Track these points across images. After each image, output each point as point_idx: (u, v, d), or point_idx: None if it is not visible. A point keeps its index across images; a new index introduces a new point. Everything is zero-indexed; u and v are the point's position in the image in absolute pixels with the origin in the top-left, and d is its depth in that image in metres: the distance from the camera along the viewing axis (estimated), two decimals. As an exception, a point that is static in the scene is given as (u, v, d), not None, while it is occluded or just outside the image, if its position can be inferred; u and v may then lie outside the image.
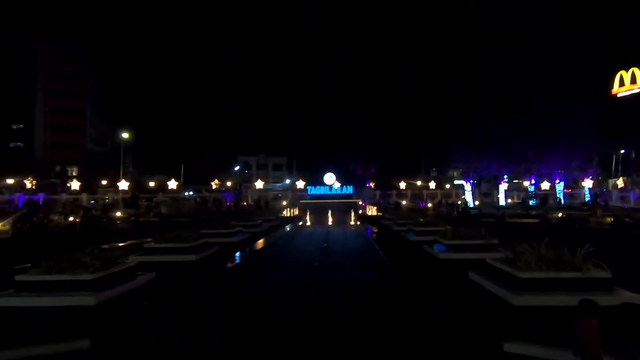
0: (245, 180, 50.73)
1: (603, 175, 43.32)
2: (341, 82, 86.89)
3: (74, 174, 47.63)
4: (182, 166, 48.84)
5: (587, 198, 35.42)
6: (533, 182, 38.75)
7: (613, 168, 41.96)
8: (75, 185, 39.14)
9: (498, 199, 38.62)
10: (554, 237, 5.75)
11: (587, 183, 36.81)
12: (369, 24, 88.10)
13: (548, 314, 4.51)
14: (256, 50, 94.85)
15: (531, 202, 35.13)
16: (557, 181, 36.90)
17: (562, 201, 35.61)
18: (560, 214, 22.97)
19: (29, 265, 5.63)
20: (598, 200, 31.38)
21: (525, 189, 41.42)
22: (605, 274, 4.77)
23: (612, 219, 19.76)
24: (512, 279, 4.93)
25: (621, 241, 13.57)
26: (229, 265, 10.81)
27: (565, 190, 37.79)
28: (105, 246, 9.29)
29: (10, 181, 39.56)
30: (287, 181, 56.52)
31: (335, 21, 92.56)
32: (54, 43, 58.53)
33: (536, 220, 21.62)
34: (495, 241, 8.18)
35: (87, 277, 4.85)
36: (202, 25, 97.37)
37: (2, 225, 16.83)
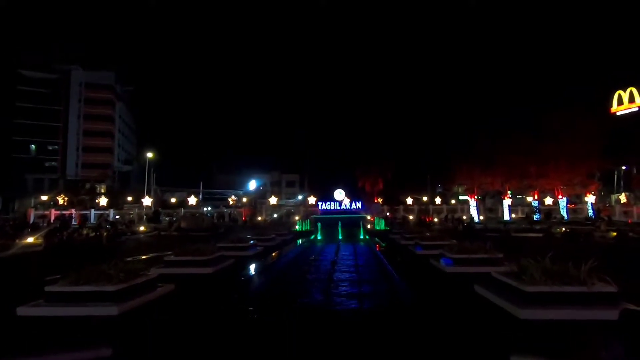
0: (260, 197, 50.99)
1: (605, 191, 42.22)
2: (350, 102, 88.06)
3: (102, 191, 48.63)
4: (202, 183, 49.53)
5: (590, 213, 34.50)
6: (536, 197, 38.11)
7: (615, 184, 40.89)
8: (103, 201, 40.05)
9: (502, 213, 37.90)
10: (558, 251, 5.58)
11: (590, 198, 35.92)
12: (377, 40, 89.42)
13: (554, 328, 4.33)
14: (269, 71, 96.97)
15: (535, 217, 34.33)
16: (560, 196, 36.11)
17: (566, 216, 34.72)
18: (564, 229, 22.28)
19: (59, 276, 5.70)
20: (601, 215, 30.48)
21: (529, 204, 40.56)
22: (610, 288, 4.59)
23: (616, 234, 19.10)
24: (517, 292, 4.77)
25: (625, 255, 13.06)
26: (243, 278, 10.74)
27: (568, 206, 36.90)
28: (129, 259, 9.36)
29: (44, 198, 40.57)
30: (300, 197, 56.56)
31: (345, 38, 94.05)
32: (88, 72, 61.24)
33: (540, 235, 20.93)
34: (500, 255, 7.97)
35: (110, 288, 4.89)
36: (219, 43, 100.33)
37: (35, 239, 17.16)
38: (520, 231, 22.96)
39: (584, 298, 4.45)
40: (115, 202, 42.01)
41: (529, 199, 40.84)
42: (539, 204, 38.15)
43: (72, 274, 5.17)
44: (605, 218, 27.05)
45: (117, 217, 35.29)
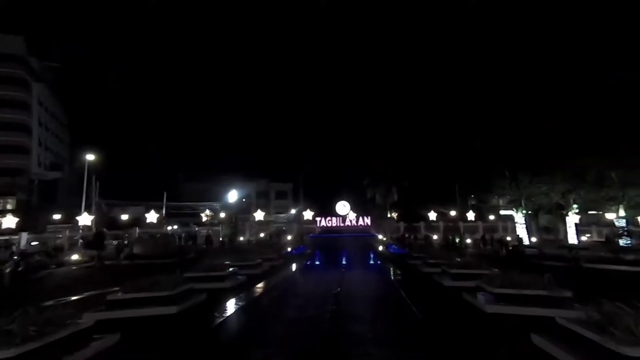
0: (243, 211, 50.40)
1: None
2: (355, 91, 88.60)
3: (9, 207, 45.56)
4: (165, 194, 48.53)
5: None
6: (621, 214, 33.75)
7: None
8: (8, 222, 34.77)
9: (566, 235, 34.94)
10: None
11: None
12: (384, 42, 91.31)
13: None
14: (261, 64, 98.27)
15: (622, 242, 30.46)
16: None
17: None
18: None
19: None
20: None
21: (610, 223, 36.62)
22: None
23: None
24: (604, 352, 4.18)
25: None
26: (217, 320, 10.18)
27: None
28: (50, 302, 8.74)
29: None
30: (293, 211, 56.15)
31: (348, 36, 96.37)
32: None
33: (632, 268, 19.43)
34: (568, 294, 7.46)
35: (9, 353, 4.19)
36: (193, 32, 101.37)
37: None
38: (597, 261, 21.40)
39: None
40: (32, 224, 38.88)
41: (609, 216, 36.92)
42: (628, 223, 33.42)
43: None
44: None
45: (33, 243, 31.71)
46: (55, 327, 4.90)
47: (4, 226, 34.43)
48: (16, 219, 34.42)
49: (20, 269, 18.60)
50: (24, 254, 22.80)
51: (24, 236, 31.26)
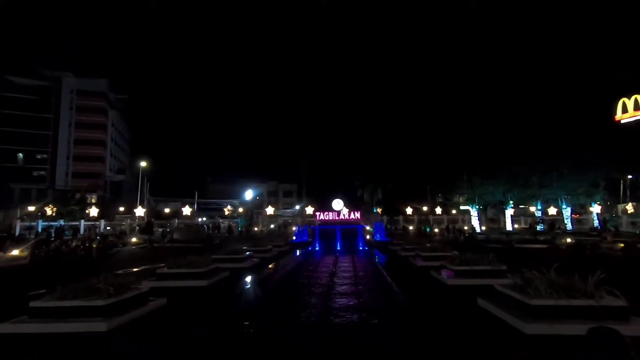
0: (256, 207, 50.81)
1: (611, 201, 42.29)
2: (349, 111, 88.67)
3: (93, 201, 48.30)
4: (196, 193, 49.18)
5: (596, 223, 34.52)
6: (539, 207, 38.11)
7: (621, 193, 41.01)
8: (93, 212, 39.51)
9: (505, 224, 37.94)
10: (563, 263, 5.56)
11: (596, 208, 35.97)
12: (376, 43, 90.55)
13: (561, 343, 4.29)
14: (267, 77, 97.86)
15: (538, 228, 34.26)
16: (564, 206, 36.19)
17: (571, 226, 34.75)
18: (569, 240, 22.28)
19: (44, 291, 5.61)
20: (607, 225, 30.50)
21: (532, 214, 40.57)
22: (619, 302, 4.56)
23: (624, 245, 19.06)
24: (522, 306, 4.74)
25: (634, 268, 13.03)
26: (238, 290, 10.63)
27: (572, 216, 36.94)
28: (120, 272, 9.24)
29: (31, 208, 40.19)
30: (297, 207, 56.38)
31: (344, 40, 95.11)
32: (80, 79, 61.40)
33: (545, 246, 20.91)
34: (504, 267, 7.94)
35: (99, 303, 4.81)
36: (216, 48, 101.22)
37: (20, 251, 16.96)
38: (523, 242, 22.90)
39: (592, 312, 4.41)
40: (107, 213, 41.64)
41: (532, 209, 40.79)
42: (542, 214, 38.12)
43: (58, 288, 5.09)
44: (612, 229, 27.08)
45: (108, 228, 35.01)
46: (125, 289, 5.43)
47: (90, 215, 39.05)
48: (97, 210, 38.84)
49: (100, 246, 19.76)
50: (103, 235, 24.87)
51: (102, 223, 35.41)
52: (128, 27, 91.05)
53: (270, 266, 15.12)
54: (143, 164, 42.57)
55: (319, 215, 41.01)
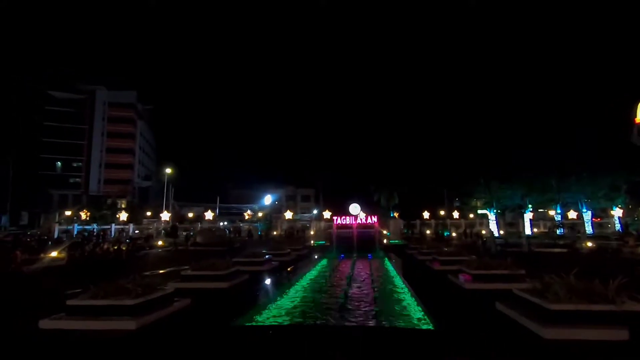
0: (275, 211, 51.14)
1: (633, 204, 40.41)
2: (365, 116, 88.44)
3: (123, 206, 49.93)
4: (218, 198, 50.15)
5: (618, 227, 33.04)
6: (559, 211, 36.81)
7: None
8: (123, 216, 40.96)
9: (523, 228, 36.72)
10: (583, 267, 5.34)
11: (617, 212, 34.45)
12: (390, 57, 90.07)
13: (581, 349, 4.11)
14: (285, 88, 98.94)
15: (558, 232, 33.09)
16: (584, 210, 34.83)
17: (591, 230, 33.37)
18: (589, 244, 21.37)
19: (79, 290, 5.82)
20: (630, 229, 29.14)
21: (551, 218, 39.23)
22: (641, 307, 4.35)
23: (647, 249, 18.14)
24: (541, 310, 4.58)
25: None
26: (257, 293, 10.69)
27: (593, 219, 35.47)
28: (147, 273, 9.46)
29: (68, 213, 41.90)
30: (315, 211, 56.39)
31: (352, 40, 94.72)
32: (111, 92, 63.93)
33: (564, 250, 20.10)
34: (522, 271, 7.70)
35: (128, 302, 4.96)
36: (230, 57, 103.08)
37: (58, 253, 17.66)
38: (542, 246, 22.12)
39: (613, 317, 4.23)
40: (135, 217, 42.91)
41: (551, 212, 39.49)
42: (562, 217, 36.71)
43: (92, 288, 5.29)
44: (634, 233, 25.84)
45: (136, 231, 36.12)
46: (152, 289, 5.57)
47: (120, 219, 40.62)
48: (127, 215, 39.73)
49: (130, 248, 20.35)
50: (131, 238, 25.65)
51: (131, 227, 36.47)
52: (151, 41, 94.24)
53: (289, 269, 15.13)
54: (168, 170, 43.78)
55: (337, 219, 40.81)
